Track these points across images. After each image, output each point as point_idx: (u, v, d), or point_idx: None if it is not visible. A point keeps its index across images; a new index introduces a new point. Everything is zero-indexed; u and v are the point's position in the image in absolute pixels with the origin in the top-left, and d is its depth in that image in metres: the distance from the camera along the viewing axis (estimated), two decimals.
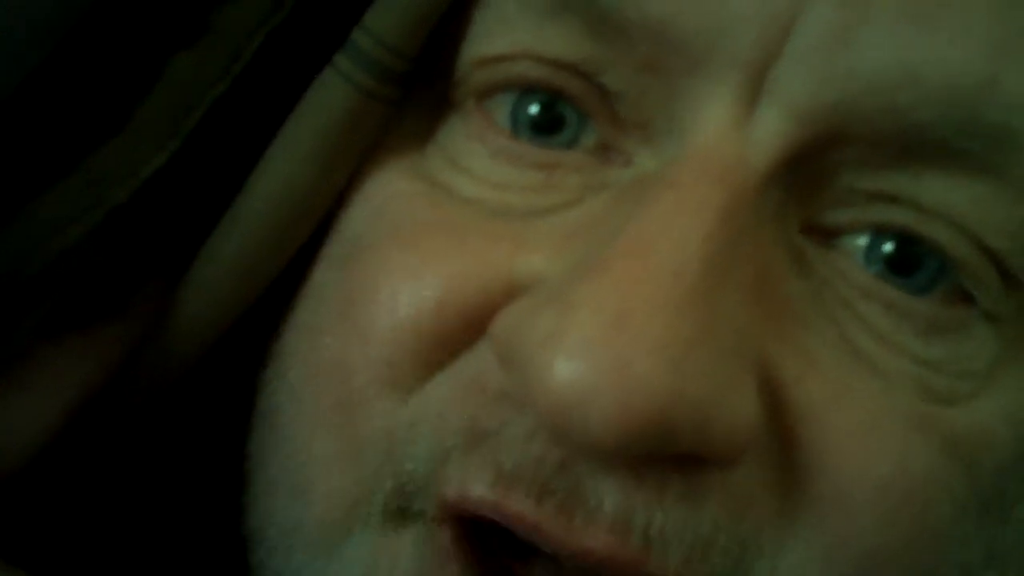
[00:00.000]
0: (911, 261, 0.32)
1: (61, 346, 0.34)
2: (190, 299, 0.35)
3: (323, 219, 0.36)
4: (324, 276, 0.35)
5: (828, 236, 0.33)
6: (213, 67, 0.34)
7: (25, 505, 0.34)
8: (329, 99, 0.35)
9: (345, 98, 0.34)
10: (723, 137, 0.31)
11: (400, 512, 0.33)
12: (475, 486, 0.31)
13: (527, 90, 0.34)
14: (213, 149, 0.35)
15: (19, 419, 0.33)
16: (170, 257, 0.35)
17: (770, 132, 0.31)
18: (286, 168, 0.35)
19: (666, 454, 0.30)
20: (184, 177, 0.34)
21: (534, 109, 0.34)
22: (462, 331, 0.33)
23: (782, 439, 0.31)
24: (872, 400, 0.32)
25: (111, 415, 0.35)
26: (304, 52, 0.35)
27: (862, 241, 0.33)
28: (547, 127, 0.34)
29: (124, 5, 0.34)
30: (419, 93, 0.36)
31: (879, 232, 0.32)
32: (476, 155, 0.35)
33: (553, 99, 0.34)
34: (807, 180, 0.32)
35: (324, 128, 0.35)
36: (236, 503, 0.36)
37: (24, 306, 0.33)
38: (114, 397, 0.35)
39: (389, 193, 0.35)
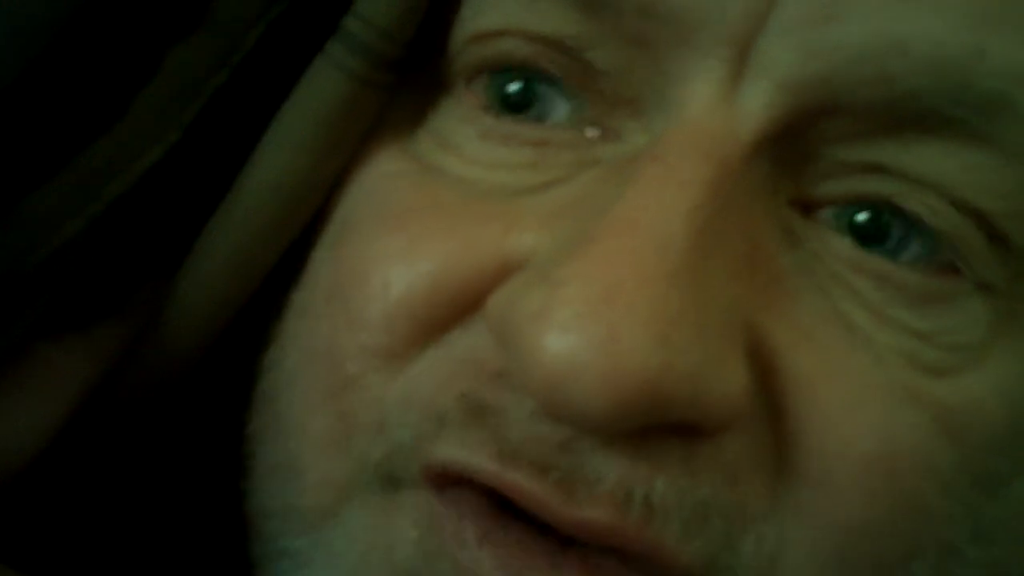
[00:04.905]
0: (893, 234, 0.33)
1: (60, 345, 0.34)
2: (188, 292, 0.35)
3: (320, 207, 0.36)
4: (317, 260, 0.35)
5: (813, 210, 0.33)
6: (212, 58, 0.34)
7: (27, 504, 0.34)
8: (322, 87, 0.34)
9: (338, 86, 0.34)
10: (711, 110, 0.32)
11: (392, 482, 0.33)
12: (476, 458, 0.31)
13: (514, 69, 0.34)
14: (212, 141, 0.34)
15: (20, 420, 0.33)
16: (169, 252, 0.35)
17: (757, 105, 0.32)
18: (280, 158, 0.35)
19: (661, 425, 0.30)
20: (183, 170, 0.34)
21: (514, 87, 0.34)
22: (455, 311, 0.33)
23: (773, 409, 0.32)
24: (862, 373, 0.32)
25: (112, 410, 0.35)
26: (304, 41, 0.35)
27: (845, 213, 0.33)
28: (534, 106, 0.34)
29: None
30: (412, 78, 0.36)
31: (862, 205, 0.33)
32: (466, 137, 0.35)
33: (537, 77, 0.34)
34: (795, 153, 0.32)
35: (318, 116, 0.34)
36: (237, 490, 0.36)
37: (22, 303, 0.33)
38: (114, 392, 0.34)
39: (379, 175, 0.35)
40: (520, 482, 0.31)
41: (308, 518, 0.34)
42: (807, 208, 0.33)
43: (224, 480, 0.36)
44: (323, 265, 0.35)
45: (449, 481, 0.32)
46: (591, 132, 0.34)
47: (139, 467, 0.37)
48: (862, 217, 0.33)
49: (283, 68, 0.35)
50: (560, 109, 0.34)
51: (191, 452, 0.37)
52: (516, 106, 0.34)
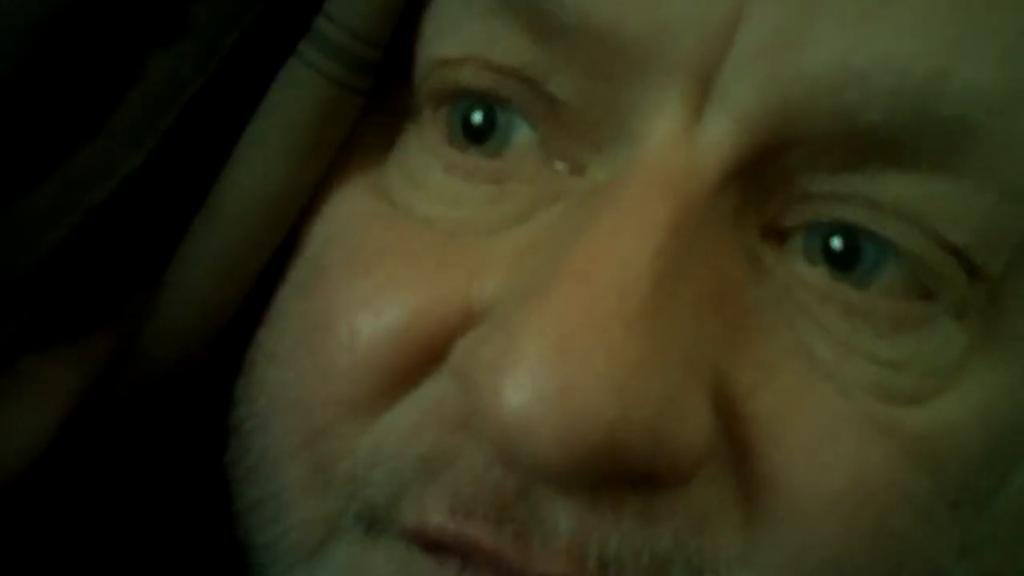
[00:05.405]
0: (866, 257, 0.32)
1: (49, 357, 0.34)
2: (173, 300, 0.35)
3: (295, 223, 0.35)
4: (286, 302, 0.35)
5: (784, 238, 0.33)
6: (190, 64, 0.33)
7: (22, 511, 0.34)
8: (296, 90, 0.34)
9: (313, 88, 0.34)
10: (671, 145, 0.31)
11: (372, 527, 0.33)
12: (433, 515, 0.32)
13: (477, 99, 0.34)
14: (191, 147, 0.34)
15: (10, 431, 0.33)
16: (156, 260, 0.35)
17: (718, 139, 0.31)
18: (258, 163, 0.34)
19: (620, 476, 0.30)
20: (164, 176, 0.34)
21: (478, 117, 0.34)
22: (422, 362, 0.33)
23: (737, 454, 0.31)
24: (827, 410, 0.32)
25: (102, 418, 0.35)
26: (278, 45, 0.34)
27: (817, 241, 0.32)
28: (495, 135, 0.34)
29: (102, 2, 0.33)
30: (383, 97, 0.35)
31: (833, 231, 0.32)
32: (431, 170, 0.34)
33: (500, 106, 0.34)
34: (762, 185, 0.32)
35: (293, 119, 0.34)
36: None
37: (8, 311, 0.33)
38: (104, 401, 0.35)
39: (347, 213, 0.35)
40: (476, 537, 0.31)
41: (293, 555, 0.34)
42: (781, 236, 0.33)
43: (218, 488, 0.36)
44: (292, 309, 0.35)
45: (424, 540, 0.32)
46: (557, 165, 0.33)
47: (133, 475, 0.37)
48: (836, 243, 0.32)
49: (260, 72, 0.34)
50: (523, 140, 0.34)
51: (187, 460, 0.37)
52: (479, 135, 0.34)
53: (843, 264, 0.32)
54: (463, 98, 0.34)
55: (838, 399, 0.32)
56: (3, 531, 0.34)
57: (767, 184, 0.32)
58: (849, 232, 0.32)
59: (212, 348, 0.35)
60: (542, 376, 0.29)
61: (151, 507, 0.37)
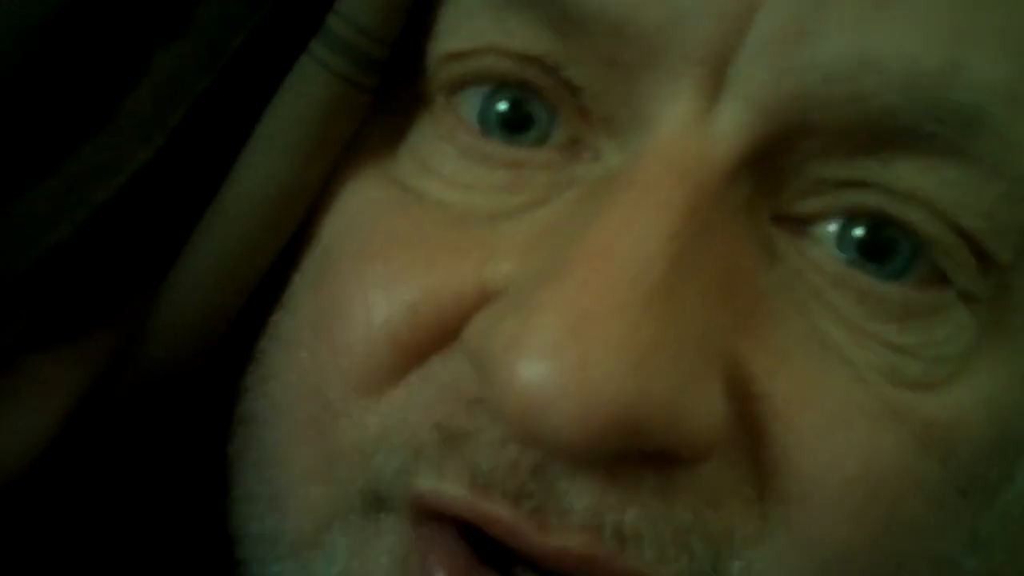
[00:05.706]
0: (884, 246, 0.32)
1: (50, 356, 0.33)
2: (176, 299, 0.35)
3: (304, 220, 0.35)
4: (299, 289, 0.35)
5: (799, 224, 0.33)
6: (196, 62, 0.34)
7: (23, 510, 0.34)
8: (307, 87, 0.34)
9: (323, 85, 0.34)
10: (685, 132, 0.31)
11: (376, 504, 0.33)
12: (451, 486, 0.32)
13: (496, 87, 0.34)
14: (200, 145, 0.34)
15: (12, 430, 0.33)
16: (159, 259, 0.34)
17: (732, 126, 0.31)
18: (266, 161, 0.34)
19: (637, 452, 0.30)
20: (171, 174, 0.34)
21: (503, 106, 0.34)
22: (436, 338, 0.33)
23: (752, 436, 0.32)
24: (841, 394, 0.32)
25: (104, 417, 0.35)
26: (288, 43, 0.34)
27: (833, 227, 0.33)
28: (516, 125, 0.34)
29: (105, 1, 0.33)
30: (392, 94, 0.35)
31: (851, 217, 0.32)
32: (445, 156, 0.35)
33: (522, 96, 0.34)
34: (774, 172, 0.32)
35: (302, 117, 0.34)
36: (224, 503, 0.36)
37: (9, 310, 0.32)
38: (106, 400, 0.34)
39: (360, 202, 0.35)
40: (493, 512, 0.31)
41: (290, 544, 0.34)
42: (794, 223, 0.33)
43: (218, 488, 0.36)
44: (306, 295, 0.35)
45: (429, 513, 0.32)
46: (573, 149, 0.34)
47: (134, 474, 0.37)
48: (859, 232, 0.32)
49: (270, 71, 0.34)
50: (540, 128, 0.34)
51: (189, 459, 0.37)
52: (507, 125, 0.34)
53: (871, 254, 0.32)
54: (482, 85, 0.34)
55: (851, 384, 0.32)
56: (3, 531, 0.33)
57: (781, 171, 0.32)
58: (871, 222, 0.32)
59: (216, 347, 0.35)
60: (560, 351, 0.29)
61: (150, 506, 0.37)
